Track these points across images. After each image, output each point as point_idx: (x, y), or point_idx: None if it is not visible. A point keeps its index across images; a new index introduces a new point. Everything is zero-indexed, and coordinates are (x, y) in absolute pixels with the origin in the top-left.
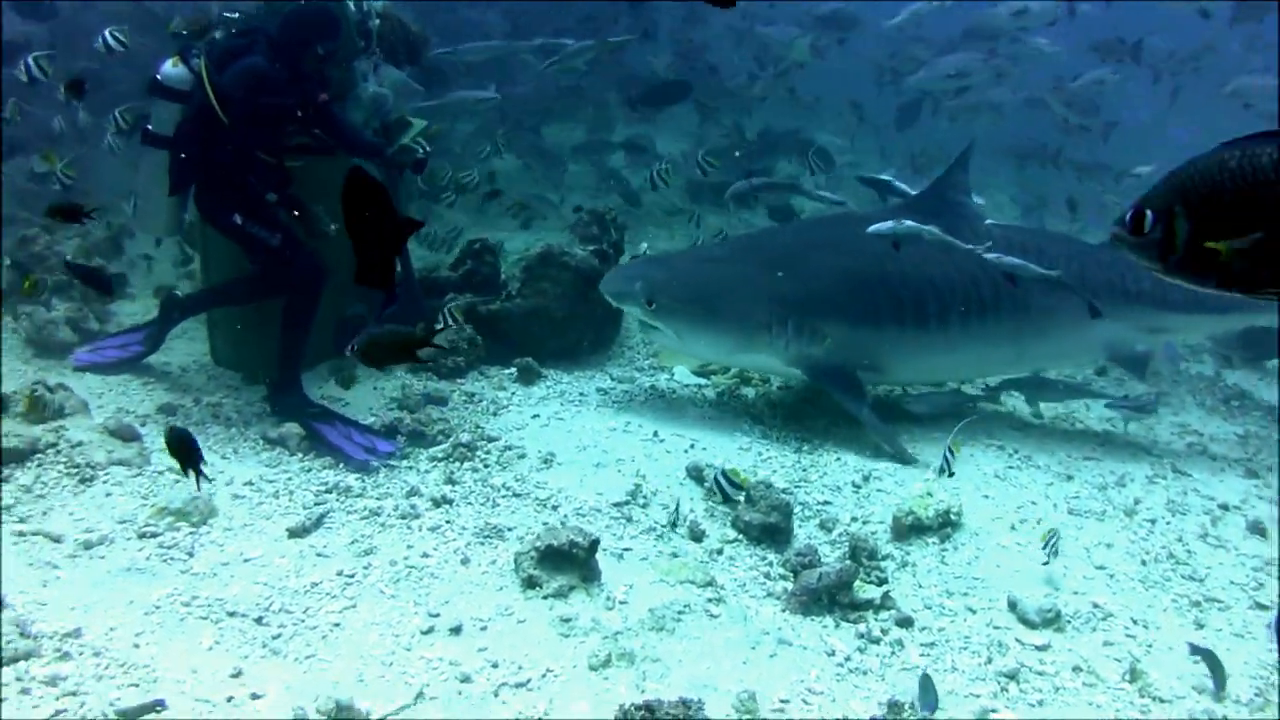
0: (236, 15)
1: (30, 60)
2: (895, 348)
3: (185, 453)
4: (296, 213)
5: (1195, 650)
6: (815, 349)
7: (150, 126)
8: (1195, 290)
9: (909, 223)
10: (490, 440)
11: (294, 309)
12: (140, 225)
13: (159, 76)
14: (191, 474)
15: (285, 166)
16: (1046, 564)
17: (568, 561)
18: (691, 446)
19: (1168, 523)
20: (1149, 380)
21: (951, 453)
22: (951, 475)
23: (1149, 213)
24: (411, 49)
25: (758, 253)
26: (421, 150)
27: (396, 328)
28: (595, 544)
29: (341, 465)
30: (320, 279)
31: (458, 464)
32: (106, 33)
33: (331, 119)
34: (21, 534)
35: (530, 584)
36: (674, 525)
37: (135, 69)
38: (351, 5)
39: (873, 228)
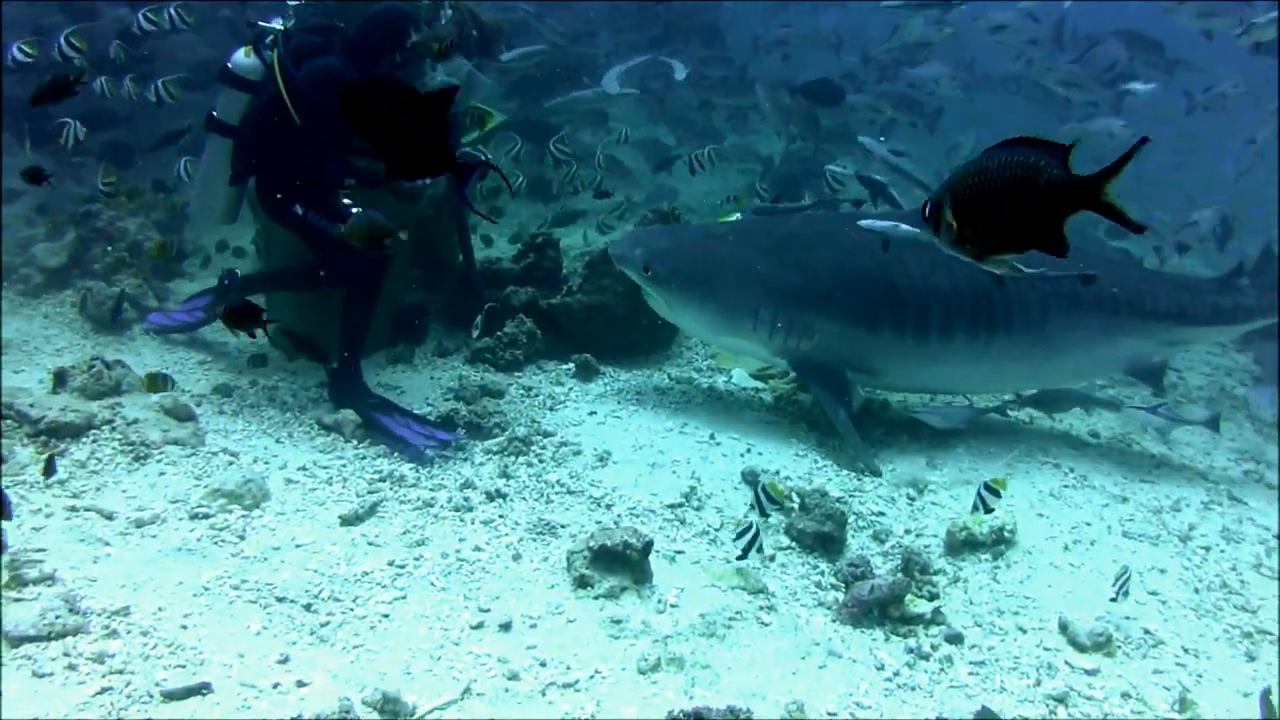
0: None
1: (62, 39)
2: (891, 353)
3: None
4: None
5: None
6: (803, 343)
7: (216, 113)
8: (1215, 303)
9: (905, 226)
10: (546, 435)
11: (355, 297)
12: (197, 213)
13: (230, 64)
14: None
15: (352, 165)
16: (1114, 600)
17: (620, 562)
18: (747, 451)
19: (1222, 551)
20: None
21: (991, 491)
22: (989, 512)
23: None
24: (485, 41)
25: (762, 237)
26: (483, 157)
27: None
28: (649, 546)
29: (396, 454)
30: (382, 268)
31: (513, 458)
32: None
33: None
34: (74, 509)
35: (582, 583)
36: (752, 546)
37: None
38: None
39: (865, 222)
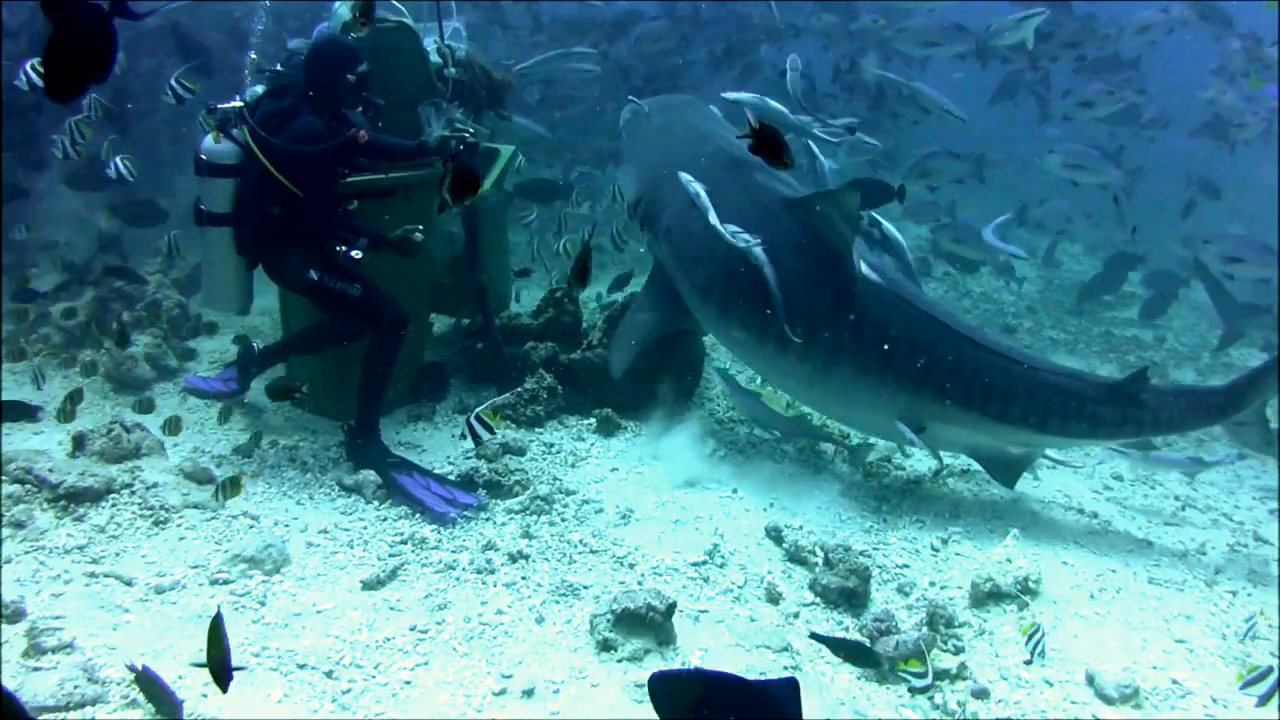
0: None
1: (173, 82)
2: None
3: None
4: (385, 246)
5: None
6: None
7: (203, 207)
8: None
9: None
10: (568, 494)
11: (375, 356)
12: (209, 303)
13: (203, 155)
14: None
15: (350, 210)
16: (1029, 663)
17: (643, 625)
18: (770, 505)
19: (1249, 594)
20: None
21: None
22: None
23: None
24: (492, 93)
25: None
26: (468, 134)
27: None
28: (672, 607)
29: (418, 515)
30: (403, 325)
31: (535, 517)
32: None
33: (375, 146)
34: (94, 575)
35: (605, 646)
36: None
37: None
38: (433, 55)
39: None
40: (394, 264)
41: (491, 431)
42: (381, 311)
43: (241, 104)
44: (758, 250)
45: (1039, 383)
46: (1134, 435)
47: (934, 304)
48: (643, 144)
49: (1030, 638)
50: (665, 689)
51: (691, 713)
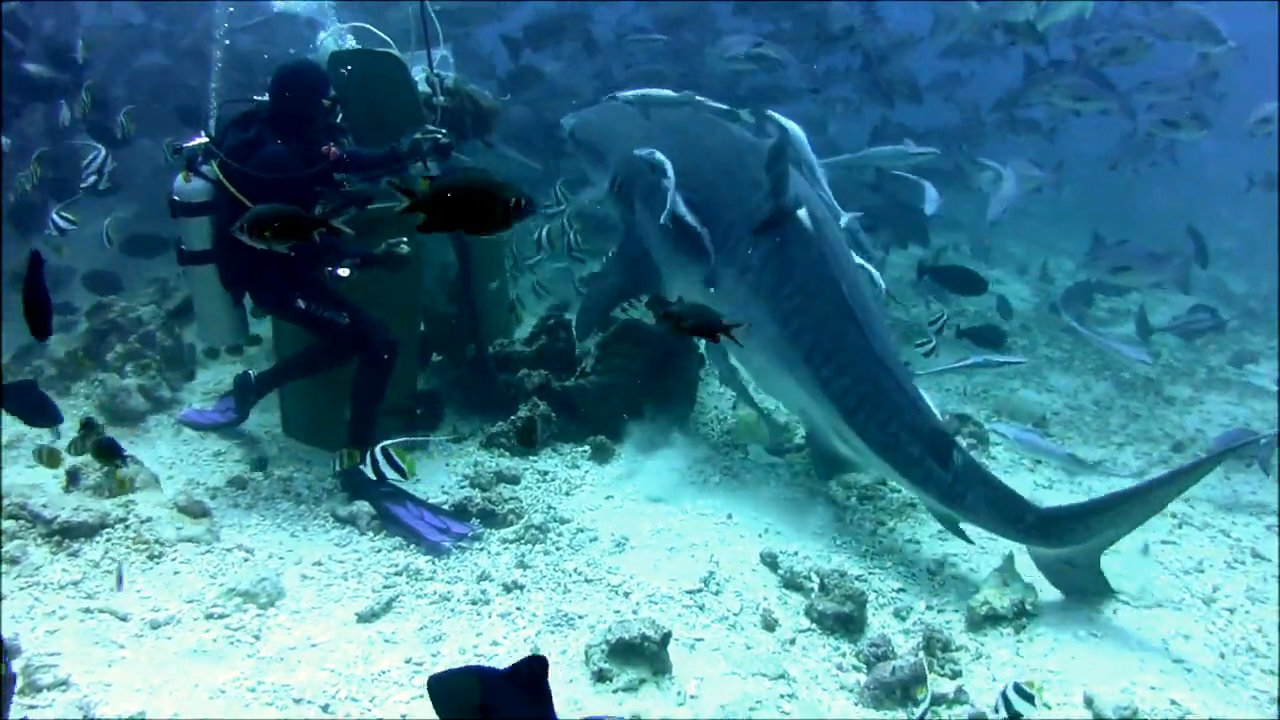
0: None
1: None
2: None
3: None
4: (372, 264)
5: None
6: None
7: (184, 247)
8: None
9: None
10: (563, 522)
11: (365, 383)
12: (204, 338)
13: (176, 197)
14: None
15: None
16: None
17: (638, 654)
18: (765, 531)
19: (1247, 612)
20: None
21: (1023, 696)
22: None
23: None
24: (480, 121)
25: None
26: (440, 136)
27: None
28: (667, 637)
29: (413, 546)
30: (393, 351)
31: (529, 546)
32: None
33: (347, 160)
34: (89, 610)
35: (601, 677)
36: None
37: None
38: (422, 84)
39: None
40: (383, 290)
41: (401, 473)
42: (371, 338)
43: (206, 139)
44: (664, 161)
45: (887, 404)
46: (921, 485)
47: (855, 285)
48: (608, 135)
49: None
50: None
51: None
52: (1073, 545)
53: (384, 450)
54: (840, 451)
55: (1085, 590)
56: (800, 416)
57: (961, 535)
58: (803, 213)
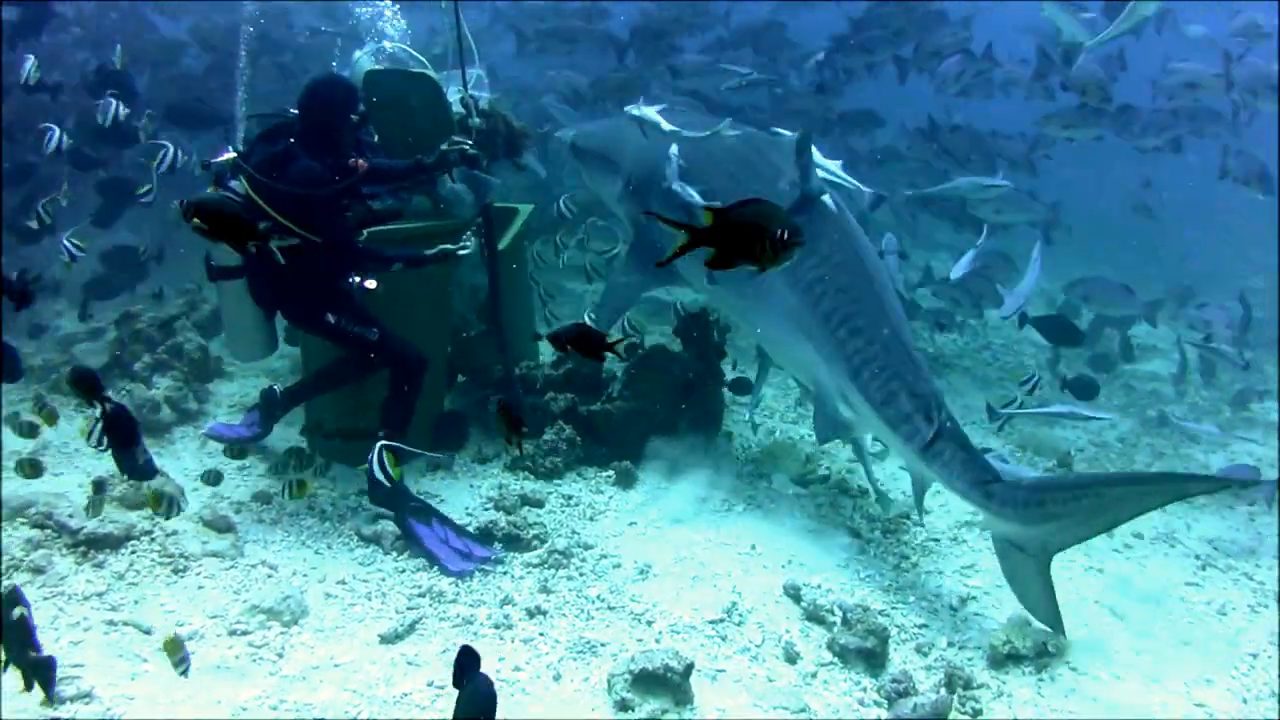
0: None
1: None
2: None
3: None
4: (423, 264)
5: None
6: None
7: (213, 261)
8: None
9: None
10: (586, 548)
11: (394, 399)
12: (234, 354)
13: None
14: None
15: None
16: None
17: (661, 684)
18: (789, 562)
19: (1270, 657)
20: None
21: None
22: None
23: None
24: (511, 143)
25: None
26: (466, 146)
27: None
28: (690, 667)
29: (436, 568)
30: (421, 367)
31: (552, 571)
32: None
33: (375, 172)
34: (112, 623)
35: (623, 706)
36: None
37: None
38: (457, 104)
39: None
40: (413, 311)
41: (389, 479)
42: (400, 354)
43: (235, 154)
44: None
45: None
46: (905, 440)
47: (873, 259)
48: (616, 141)
49: None
50: None
51: None
52: (1026, 523)
53: (380, 451)
54: (841, 416)
55: (1034, 604)
56: (811, 381)
57: (919, 506)
58: (827, 197)
